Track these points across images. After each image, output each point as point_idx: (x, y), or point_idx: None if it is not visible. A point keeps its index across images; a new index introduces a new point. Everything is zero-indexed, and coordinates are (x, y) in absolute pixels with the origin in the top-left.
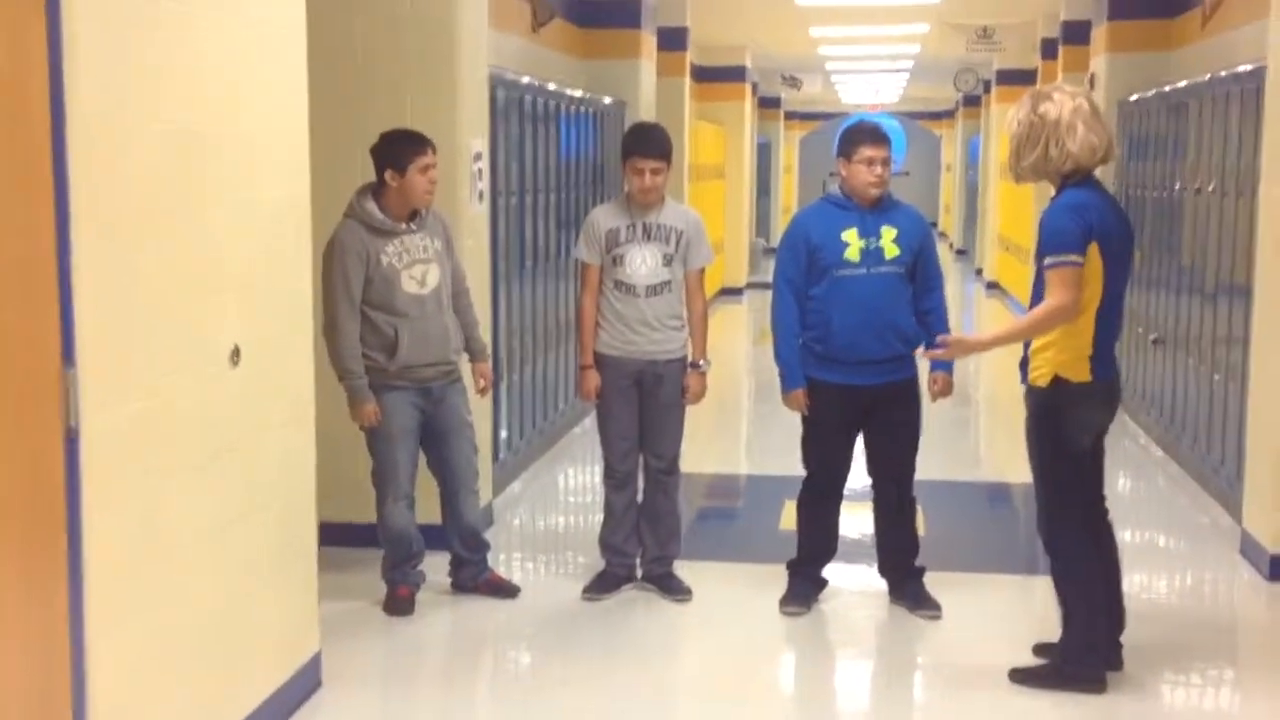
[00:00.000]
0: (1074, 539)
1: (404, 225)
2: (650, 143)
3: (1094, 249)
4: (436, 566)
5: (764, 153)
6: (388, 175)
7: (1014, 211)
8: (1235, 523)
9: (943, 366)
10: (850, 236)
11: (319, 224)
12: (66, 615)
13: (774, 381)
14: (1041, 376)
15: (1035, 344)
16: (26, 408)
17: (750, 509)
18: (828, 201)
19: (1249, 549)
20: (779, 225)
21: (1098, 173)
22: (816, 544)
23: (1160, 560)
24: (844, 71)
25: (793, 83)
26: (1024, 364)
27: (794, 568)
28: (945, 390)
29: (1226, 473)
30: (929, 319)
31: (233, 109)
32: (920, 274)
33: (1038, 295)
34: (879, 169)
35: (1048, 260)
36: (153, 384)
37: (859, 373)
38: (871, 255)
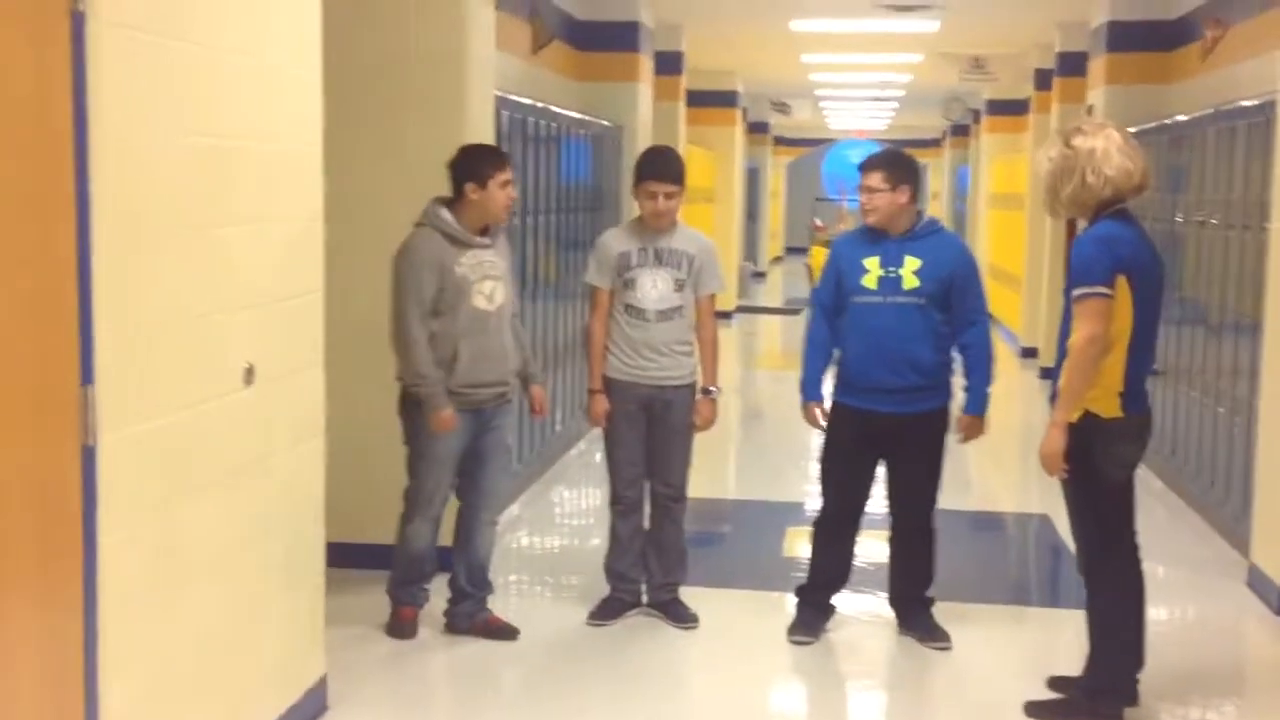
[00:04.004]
0: (1112, 577)
1: (478, 239)
2: (665, 167)
3: (1123, 282)
4: (439, 588)
5: (752, 178)
6: (469, 188)
7: (1004, 241)
8: (1241, 556)
9: (974, 409)
10: (871, 264)
11: (327, 244)
12: (81, 633)
13: (766, 405)
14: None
15: (1064, 379)
16: (44, 425)
17: (749, 535)
18: (863, 228)
19: (1257, 582)
20: (766, 250)
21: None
22: (828, 571)
23: (1166, 593)
24: (834, 98)
25: (782, 108)
26: (1054, 398)
27: (803, 594)
28: (971, 433)
29: (1232, 507)
30: (966, 354)
31: (252, 126)
32: (955, 307)
33: (1066, 328)
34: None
35: (1076, 292)
36: (169, 402)
37: (872, 399)
38: (889, 284)
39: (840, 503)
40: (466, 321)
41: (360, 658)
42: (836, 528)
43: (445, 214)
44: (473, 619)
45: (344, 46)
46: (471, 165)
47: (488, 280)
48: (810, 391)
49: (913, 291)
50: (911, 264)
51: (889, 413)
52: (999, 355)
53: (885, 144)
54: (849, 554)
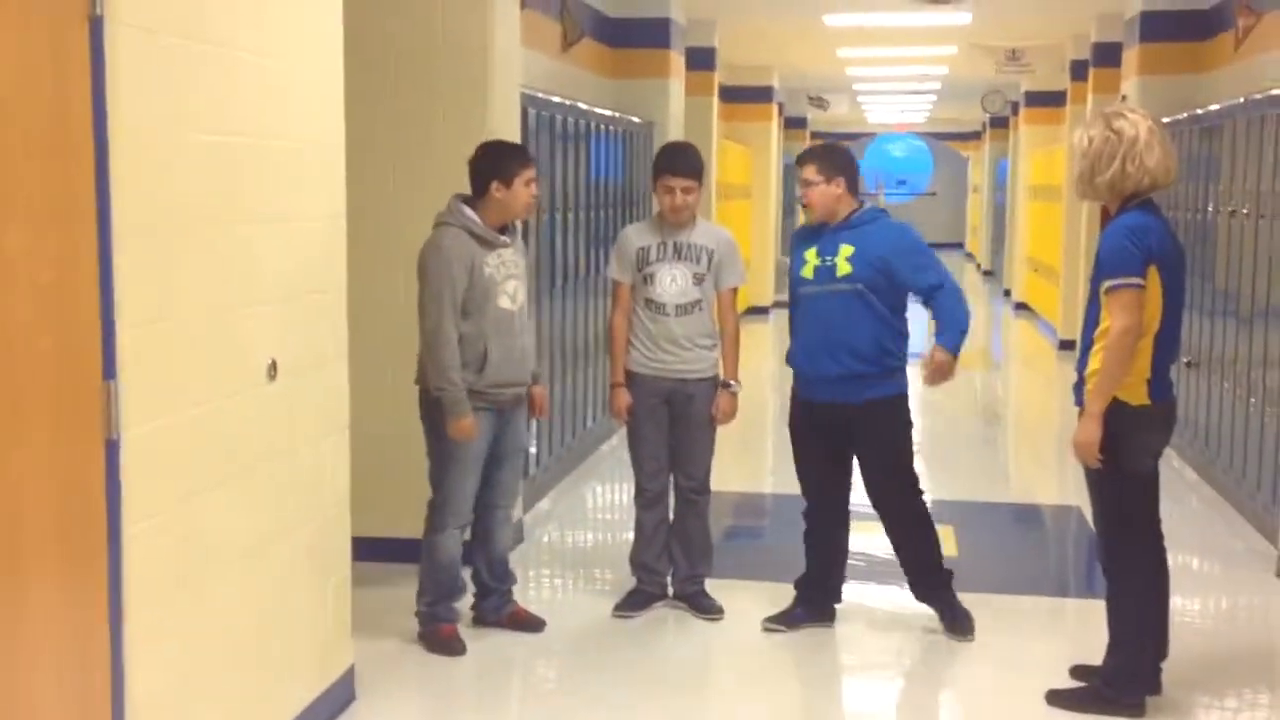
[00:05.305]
0: (1135, 565)
1: (501, 238)
2: (681, 161)
3: (1153, 272)
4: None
5: (790, 173)
6: (493, 187)
7: (1043, 232)
8: (1271, 546)
9: (943, 340)
10: (810, 255)
11: (351, 239)
12: (106, 626)
13: None
14: None
15: (1090, 367)
16: (67, 420)
17: (781, 528)
18: (812, 223)
19: None
20: None
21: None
22: (811, 563)
23: (1196, 584)
24: (871, 92)
25: (819, 103)
26: (1078, 386)
27: (796, 586)
28: (938, 373)
29: (1263, 497)
30: (935, 309)
31: (271, 124)
32: (908, 284)
33: (1091, 316)
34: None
35: (1108, 283)
36: (192, 397)
37: (817, 389)
38: (824, 273)
39: (806, 493)
40: (493, 322)
41: (388, 648)
42: (814, 521)
43: (470, 212)
44: (500, 611)
45: (366, 42)
46: (498, 163)
47: (511, 280)
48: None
49: (846, 278)
50: (845, 251)
51: (835, 402)
52: (1038, 347)
53: (923, 136)
54: (824, 548)
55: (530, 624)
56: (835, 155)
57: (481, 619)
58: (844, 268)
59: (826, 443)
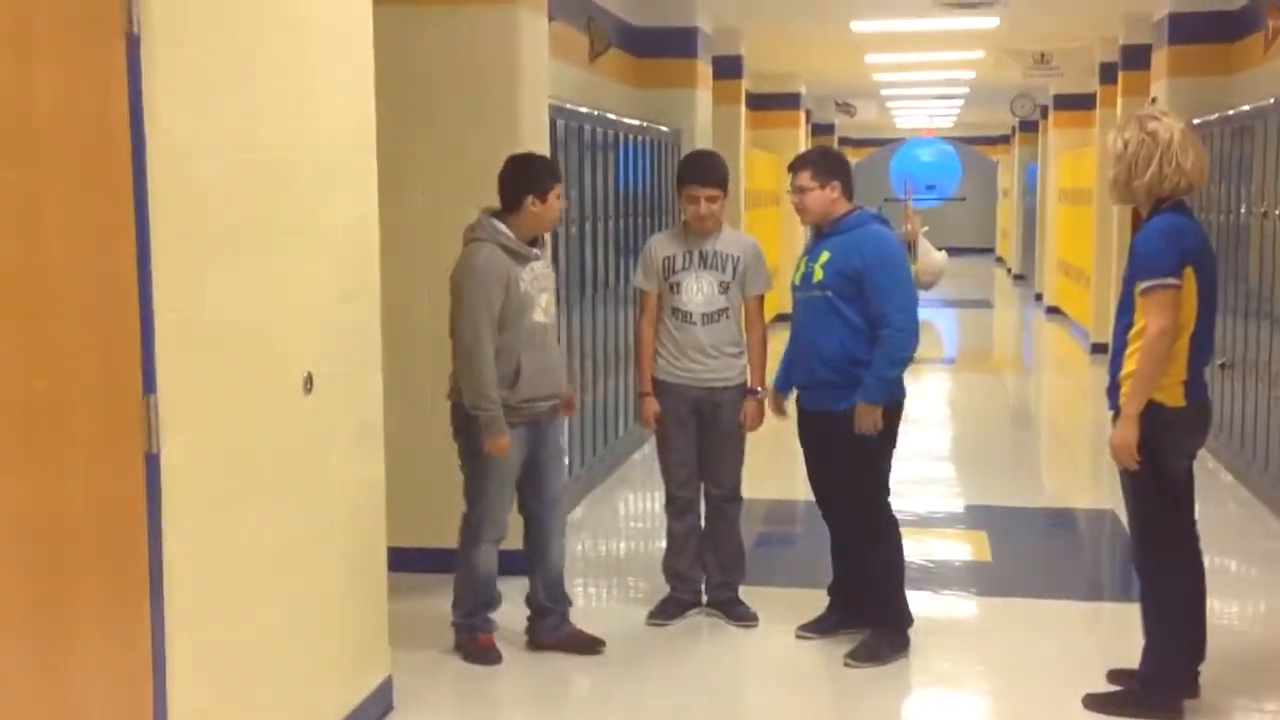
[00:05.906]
0: (1167, 567)
1: (534, 251)
2: (705, 171)
3: (1189, 273)
4: (512, 593)
5: None
6: (529, 201)
7: (1073, 236)
8: None
9: (861, 395)
10: (803, 261)
11: (382, 254)
12: (148, 637)
13: None
14: None
15: (1125, 369)
16: (108, 434)
17: (811, 535)
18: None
19: None
20: None
21: None
22: (839, 569)
23: (1233, 586)
24: (899, 97)
25: (847, 109)
26: (1113, 389)
27: (830, 591)
28: (860, 422)
29: None
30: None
31: (304, 139)
32: (869, 304)
33: (1124, 318)
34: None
35: (1145, 284)
36: (230, 410)
37: (801, 395)
38: (806, 279)
39: (822, 502)
40: (527, 336)
41: (425, 659)
42: (825, 523)
43: (503, 227)
44: (557, 631)
45: (396, 58)
46: (534, 177)
47: (544, 293)
48: (777, 382)
49: (819, 285)
50: (822, 258)
51: (815, 409)
52: (1070, 351)
53: (952, 141)
54: (835, 555)
55: (588, 645)
56: (830, 159)
57: (538, 641)
58: (818, 274)
59: (810, 446)
